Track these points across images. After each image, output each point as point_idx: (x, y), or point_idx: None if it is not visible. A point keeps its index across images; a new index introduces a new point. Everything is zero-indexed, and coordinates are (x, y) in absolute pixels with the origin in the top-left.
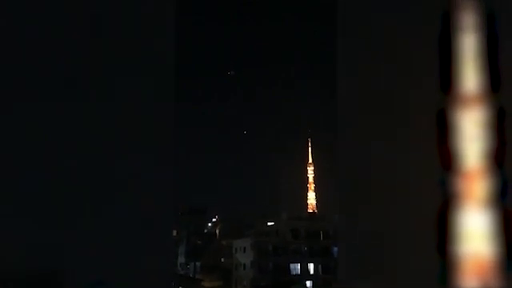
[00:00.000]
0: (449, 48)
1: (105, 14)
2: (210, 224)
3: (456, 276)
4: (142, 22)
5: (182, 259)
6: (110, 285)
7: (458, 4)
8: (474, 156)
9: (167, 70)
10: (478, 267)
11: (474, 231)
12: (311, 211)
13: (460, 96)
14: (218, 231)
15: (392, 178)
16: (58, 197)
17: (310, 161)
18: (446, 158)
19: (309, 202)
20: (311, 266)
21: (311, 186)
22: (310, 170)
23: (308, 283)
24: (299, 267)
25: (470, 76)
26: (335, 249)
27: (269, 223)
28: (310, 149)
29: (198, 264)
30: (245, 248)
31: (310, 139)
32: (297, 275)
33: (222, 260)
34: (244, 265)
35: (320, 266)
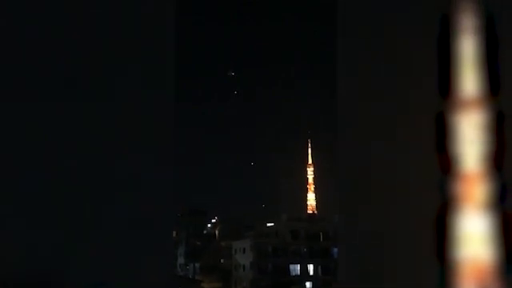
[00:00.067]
0: (448, 51)
1: (105, 13)
2: (209, 225)
3: (455, 280)
4: (142, 22)
5: (181, 260)
6: (110, 285)
7: (458, 6)
8: (473, 159)
9: (167, 70)
10: (477, 271)
11: (473, 235)
12: (311, 212)
13: (459, 99)
14: (217, 232)
15: (392, 178)
16: (57, 197)
17: (310, 162)
18: (444, 162)
19: (308, 202)
20: (311, 267)
21: (311, 187)
22: (310, 171)
23: (308, 284)
24: (299, 268)
25: (469, 79)
26: (335, 250)
27: (268, 224)
28: (309, 150)
29: (197, 265)
30: (244, 249)
31: (309, 140)
32: (296, 276)
33: (222, 261)
34: (243, 266)
35: (320, 267)
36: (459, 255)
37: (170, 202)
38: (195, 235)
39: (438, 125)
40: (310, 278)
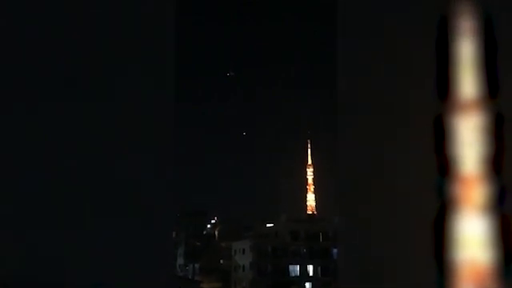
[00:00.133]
0: (446, 53)
1: (105, 13)
2: (209, 226)
3: (453, 283)
4: (142, 22)
5: (180, 261)
6: (110, 285)
7: (456, 8)
8: (472, 162)
9: (167, 70)
10: (476, 273)
11: (472, 237)
12: (310, 213)
13: (458, 101)
14: (216, 233)
15: (392, 178)
16: (57, 197)
17: (310, 162)
18: (443, 164)
19: (308, 203)
20: (310, 268)
21: (310, 188)
22: (310, 172)
23: (307, 285)
24: (298, 269)
25: (468, 81)
26: (334, 250)
27: (268, 225)
28: (309, 150)
29: (196, 266)
30: (244, 250)
31: (309, 140)
32: (296, 277)
33: (221, 262)
34: (243, 266)
35: (319, 268)
36: (457, 258)
37: (169, 202)
38: (195, 236)
39: (437, 127)
40: (309, 279)
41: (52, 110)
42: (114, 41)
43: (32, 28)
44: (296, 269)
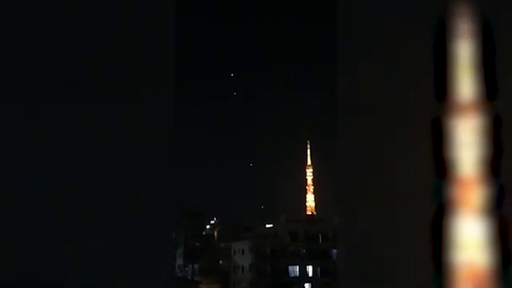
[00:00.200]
0: (444, 55)
1: (105, 13)
2: (208, 226)
3: (451, 285)
4: (142, 22)
5: (180, 261)
6: (110, 286)
7: (454, 11)
8: (470, 164)
9: (167, 70)
10: (474, 276)
11: (470, 240)
12: (310, 213)
13: (456, 104)
14: (216, 233)
15: (392, 178)
16: (57, 197)
17: (309, 163)
18: (441, 166)
19: (307, 204)
20: (310, 269)
21: (310, 188)
22: (309, 172)
23: (306, 286)
24: (298, 269)
25: (466, 83)
26: (334, 251)
27: (267, 225)
28: (308, 151)
29: (196, 266)
30: (243, 250)
31: (309, 141)
32: (295, 277)
33: (221, 262)
34: (242, 267)
35: (319, 269)
36: (456, 260)
37: (170, 202)
38: (194, 236)
39: (435, 129)
40: (308, 280)
41: (52, 109)
42: (114, 41)
43: (32, 28)
44: (295, 269)
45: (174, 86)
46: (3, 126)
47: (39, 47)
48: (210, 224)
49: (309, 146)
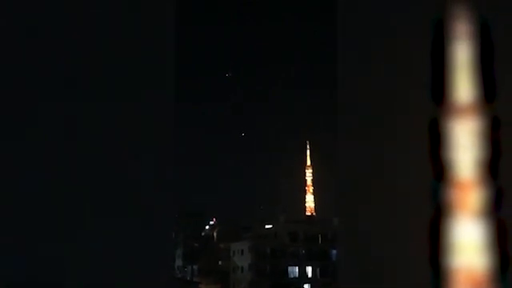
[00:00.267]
0: (442, 57)
1: (105, 13)
2: (207, 227)
3: None
4: (142, 22)
5: (179, 262)
6: (110, 286)
7: (452, 12)
8: (468, 166)
9: (167, 70)
10: (472, 279)
11: (468, 243)
12: (309, 214)
13: (454, 105)
14: (215, 234)
15: (392, 179)
16: (57, 197)
17: (309, 163)
18: (439, 169)
19: (307, 204)
20: (309, 269)
21: (309, 189)
22: (309, 173)
23: (306, 286)
24: (297, 270)
25: (464, 85)
26: (333, 252)
27: (267, 226)
28: (308, 151)
29: (195, 267)
30: (242, 251)
31: (308, 141)
32: (295, 278)
33: (220, 263)
34: (242, 268)
35: (318, 269)
36: (454, 263)
37: (169, 202)
38: (193, 237)
39: (432, 131)
40: (308, 280)
41: (52, 109)
42: (114, 41)
43: (32, 28)
44: (295, 270)
45: (174, 85)
46: (3, 125)
47: (39, 47)
48: (209, 224)
49: (308, 147)
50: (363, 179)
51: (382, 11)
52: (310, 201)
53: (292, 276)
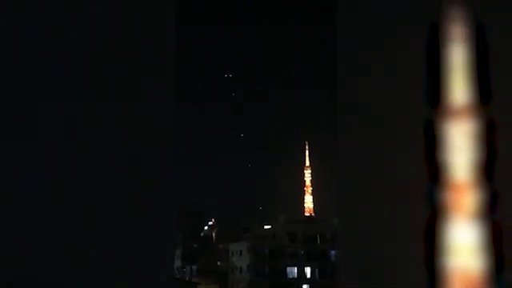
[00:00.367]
0: (437, 59)
1: (105, 13)
2: (206, 227)
3: None
4: (142, 22)
5: (178, 262)
6: (110, 286)
7: (448, 15)
8: (464, 168)
9: (167, 70)
10: (467, 281)
11: (463, 245)
12: (308, 214)
13: (449, 108)
14: (214, 234)
15: (392, 179)
16: (57, 197)
17: (308, 164)
18: (434, 171)
19: (306, 205)
20: (308, 270)
21: (308, 189)
22: (307, 173)
23: (305, 287)
24: (296, 271)
25: (460, 88)
26: (332, 252)
27: (266, 226)
28: (307, 152)
29: (194, 267)
30: (241, 251)
31: (307, 142)
32: (293, 279)
33: (219, 263)
34: (240, 268)
35: (317, 270)
36: (449, 265)
37: (169, 202)
38: (192, 237)
39: (428, 133)
40: (307, 281)
41: (52, 109)
42: (114, 41)
43: (32, 28)
44: (293, 271)
45: (174, 86)
46: (3, 126)
47: (39, 47)
48: (208, 225)
49: (307, 147)
50: (363, 179)
51: (382, 11)
52: (308, 201)
53: (291, 276)
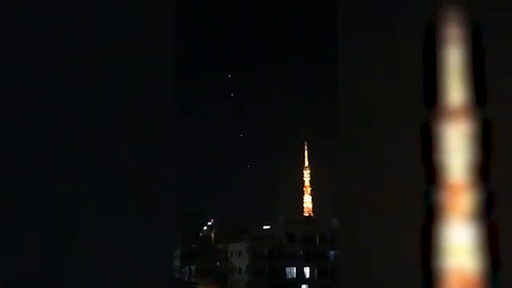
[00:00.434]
0: (434, 60)
1: (105, 13)
2: (205, 227)
3: None
4: (142, 22)
5: (177, 263)
6: (110, 286)
7: (444, 16)
8: (460, 169)
9: (167, 70)
10: (463, 282)
11: (459, 245)
12: (307, 215)
13: (445, 109)
14: (213, 235)
15: (392, 179)
16: (57, 197)
17: (307, 164)
18: (430, 172)
19: (305, 205)
20: (307, 270)
21: (307, 190)
22: (307, 174)
23: (304, 287)
24: (295, 271)
25: (456, 88)
26: (331, 252)
27: (265, 227)
28: (306, 152)
29: (193, 268)
30: (240, 252)
31: (306, 142)
32: (293, 279)
33: (218, 264)
34: (239, 268)
35: (316, 270)
36: (445, 266)
37: (170, 202)
38: (191, 238)
39: (424, 134)
40: (306, 281)
41: (52, 109)
42: (114, 41)
43: (32, 28)
44: (292, 271)
45: (174, 86)
46: (3, 125)
47: (39, 47)
48: (207, 225)
49: (306, 148)
50: (363, 179)
51: (381, 11)
52: (307, 202)
53: (290, 277)
